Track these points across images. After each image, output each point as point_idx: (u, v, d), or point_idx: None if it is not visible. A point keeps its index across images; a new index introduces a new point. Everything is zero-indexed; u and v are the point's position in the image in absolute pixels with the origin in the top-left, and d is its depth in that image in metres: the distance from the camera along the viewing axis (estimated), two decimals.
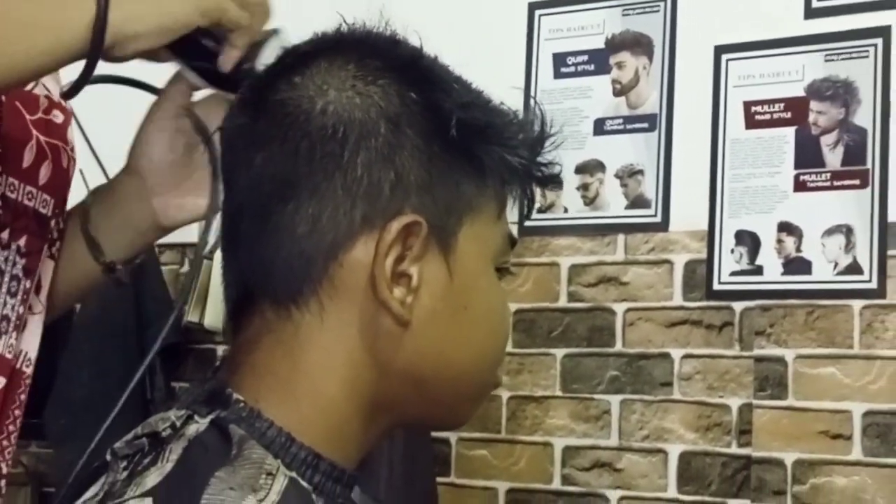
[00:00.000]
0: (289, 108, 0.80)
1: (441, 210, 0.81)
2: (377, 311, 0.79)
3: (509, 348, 2.50)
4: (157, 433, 0.78)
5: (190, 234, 2.82)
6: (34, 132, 1.07)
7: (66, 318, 2.65)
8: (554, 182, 0.89)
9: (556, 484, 2.50)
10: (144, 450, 0.79)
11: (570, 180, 2.55)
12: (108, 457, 0.80)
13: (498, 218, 0.85)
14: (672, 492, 2.37)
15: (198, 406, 0.80)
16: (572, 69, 2.59)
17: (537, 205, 2.56)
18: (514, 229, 2.47)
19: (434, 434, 2.54)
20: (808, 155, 2.34)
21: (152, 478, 0.75)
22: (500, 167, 0.83)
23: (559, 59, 2.60)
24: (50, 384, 2.48)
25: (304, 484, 0.78)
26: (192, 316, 2.63)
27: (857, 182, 2.29)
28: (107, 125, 2.82)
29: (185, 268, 2.83)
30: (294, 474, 0.77)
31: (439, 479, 2.52)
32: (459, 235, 0.82)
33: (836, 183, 2.31)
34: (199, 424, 0.79)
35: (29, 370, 1.11)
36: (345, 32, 0.84)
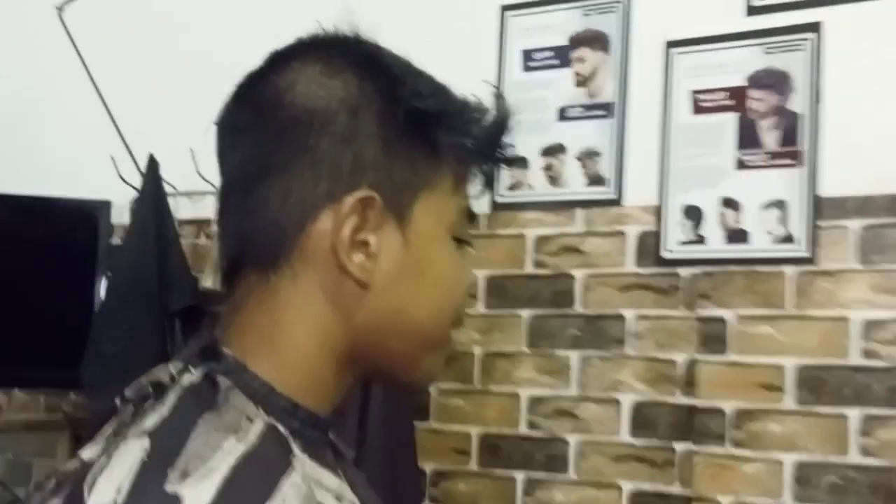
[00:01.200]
0: (266, 100, 0.84)
1: (397, 186, 0.82)
2: (340, 275, 0.82)
3: (483, 310, 2.56)
4: (159, 382, 0.81)
5: (205, 211, 2.87)
6: None
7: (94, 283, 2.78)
8: (508, 162, 0.90)
9: (523, 429, 2.51)
10: (148, 396, 0.81)
11: (536, 161, 2.54)
12: (118, 401, 0.82)
13: (453, 193, 0.86)
14: (625, 436, 2.37)
15: (193, 359, 0.83)
16: (539, 63, 2.57)
17: (506, 183, 2.44)
18: (486, 205, 2.55)
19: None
20: (747, 137, 2.31)
21: (151, 420, 0.77)
22: (455, 149, 0.85)
23: (527, 55, 2.58)
24: (85, 339, 2.50)
25: (282, 429, 0.79)
26: (206, 282, 2.66)
27: (791, 161, 2.25)
28: (133, 108, 2.90)
29: (202, 240, 2.86)
30: (273, 420, 0.79)
31: (419, 424, 2.54)
32: (415, 208, 0.83)
33: (772, 162, 2.28)
34: (193, 375, 0.81)
35: None
36: (318, 36, 0.87)
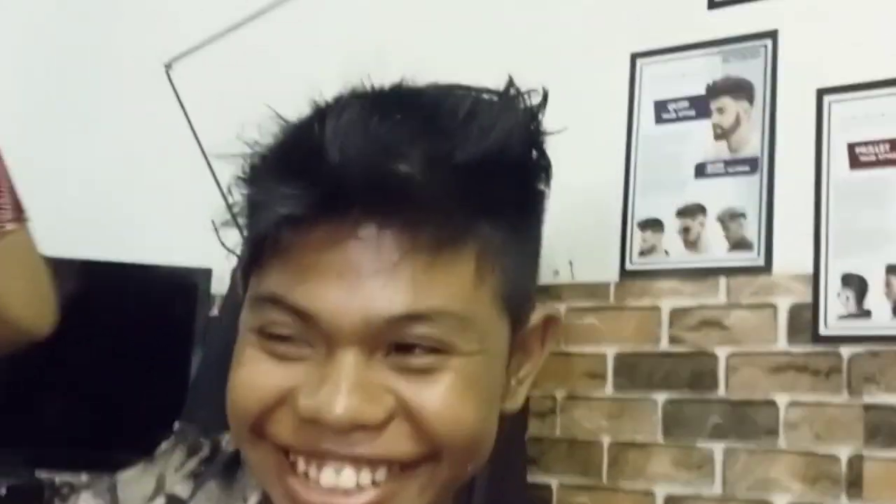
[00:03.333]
0: None
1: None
2: None
3: (611, 392, 2.52)
4: (219, 442, 0.87)
5: None
6: None
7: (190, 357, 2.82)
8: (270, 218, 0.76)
9: None
10: (198, 449, 0.87)
11: (672, 223, 2.51)
12: (175, 433, 0.90)
13: (250, 276, 0.79)
14: None
15: None
16: (673, 115, 2.53)
17: (637, 248, 2.27)
18: (615, 274, 2.56)
19: (533, 479, 2.54)
20: None
21: (181, 482, 0.85)
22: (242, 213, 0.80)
23: (660, 106, 2.54)
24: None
25: None
26: None
27: None
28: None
29: None
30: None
31: None
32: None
33: None
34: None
35: None
36: None
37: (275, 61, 3.06)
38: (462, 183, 0.73)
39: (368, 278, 0.72)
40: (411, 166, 0.72)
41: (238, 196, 0.78)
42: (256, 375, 0.76)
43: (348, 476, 0.74)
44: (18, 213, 1.51)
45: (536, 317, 0.84)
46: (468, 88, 0.78)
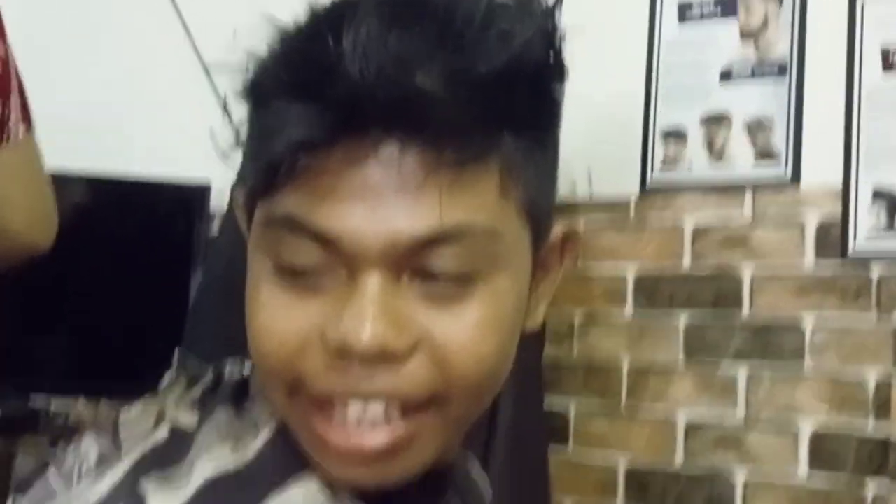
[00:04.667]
0: None
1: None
2: None
3: (630, 314, 2.56)
4: (221, 372, 0.87)
5: None
6: None
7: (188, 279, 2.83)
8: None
9: (679, 462, 2.48)
10: (199, 379, 0.87)
11: (695, 133, 2.52)
12: (175, 365, 0.91)
13: (261, 201, 0.78)
14: (803, 473, 2.31)
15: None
16: (698, 14, 2.54)
17: (659, 160, 2.27)
18: (634, 187, 2.57)
19: (549, 406, 2.57)
20: None
21: (186, 412, 0.84)
22: (248, 134, 0.80)
23: (684, 5, 2.56)
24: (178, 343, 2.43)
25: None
26: None
27: None
28: None
29: None
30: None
31: (554, 453, 2.50)
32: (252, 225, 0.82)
33: None
34: (244, 370, 0.87)
35: None
36: None
37: None
38: (484, 96, 0.73)
39: (391, 199, 0.72)
40: (433, 82, 0.71)
41: (240, 113, 0.78)
42: (279, 320, 0.77)
43: (374, 410, 0.75)
44: (28, 123, 1.51)
45: (555, 233, 0.85)
46: None
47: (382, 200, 0.72)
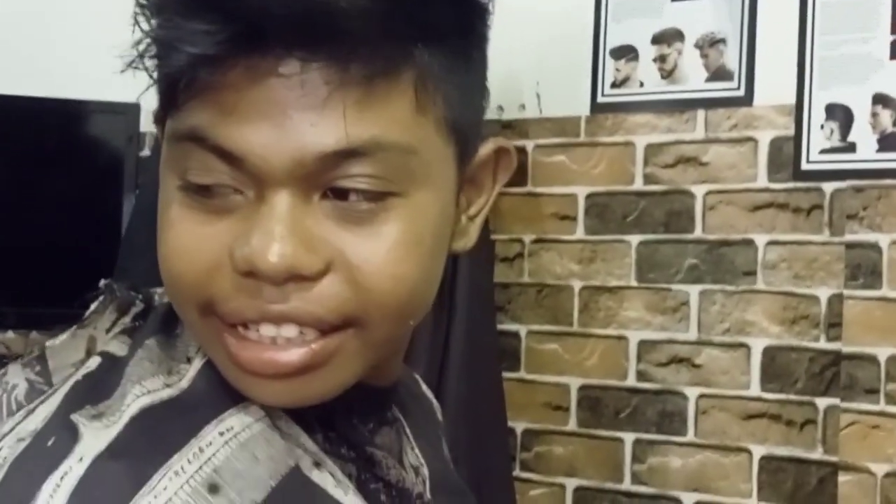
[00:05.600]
0: None
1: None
2: None
3: (582, 234, 2.60)
4: (152, 297, 0.87)
5: None
6: None
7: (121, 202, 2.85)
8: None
9: (631, 380, 2.53)
10: (131, 306, 0.87)
11: (646, 51, 2.54)
12: (105, 291, 0.88)
13: (167, 118, 0.77)
14: (755, 390, 2.37)
15: None
16: None
17: (609, 79, 2.27)
18: (584, 107, 2.59)
19: (502, 327, 2.63)
20: None
21: (116, 340, 0.83)
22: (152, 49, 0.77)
23: None
24: (112, 268, 2.54)
25: None
26: None
27: None
28: None
29: None
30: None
31: (507, 374, 2.57)
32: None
33: None
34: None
35: None
36: None
37: None
38: (392, 5, 0.73)
39: (296, 116, 0.72)
40: None
41: (144, 28, 0.75)
42: (188, 240, 0.77)
43: (288, 331, 0.75)
44: None
45: (486, 149, 0.85)
46: None
47: (288, 118, 0.72)
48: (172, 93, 0.73)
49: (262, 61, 0.70)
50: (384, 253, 0.75)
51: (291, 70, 0.71)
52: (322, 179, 0.73)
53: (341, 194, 0.74)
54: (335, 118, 0.71)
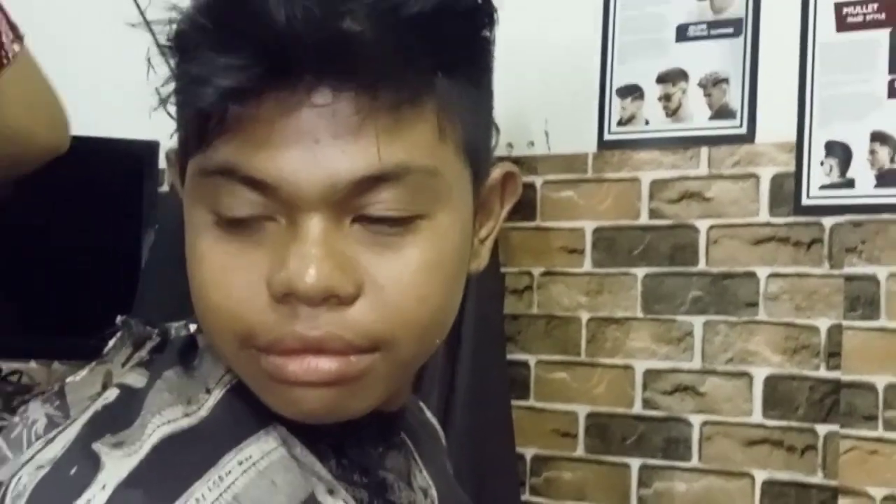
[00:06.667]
0: None
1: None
2: None
3: (589, 268, 2.61)
4: (167, 331, 0.87)
5: None
6: None
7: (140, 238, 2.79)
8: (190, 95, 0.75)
9: (637, 408, 2.54)
10: (146, 341, 0.88)
11: (651, 90, 2.56)
12: (121, 329, 0.89)
13: (193, 154, 0.78)
14: (758, 417, 2.38)
15: None
16: None
17: (616, 117, 2.31)
18: (592, 144, 2.60)
19: (512, 357, 2.63)
20: None
21: (132, 373, 0.84)
22: (176, 86, 0.78)
23: None
24: (131, 302, 2.47)
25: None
26: None
27: None
28: None
29: None
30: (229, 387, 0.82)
31: (516, 403, 2.58)
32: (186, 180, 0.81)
33: None
34: (189, 331, 0.86)
35: None
36: None
37: None
38: (415, 38, 0.74)
39: (328, 143, 0.73)
40: (361, 24, 0.72)
41: (170, 66, 0.77)
42: (221, 271, 0.77)
43: (323, 356, 0.76)
44: (19, 39, 1.56)
45: (495, 173, 0.87)
46: None
47: (320, 146, 0.73)
48: (202, 128, 0.74)
49: (293, 93, 0.72)
50: (410, 274, 0.76)
51: (323, 100, 0.72)
52: (353, 204, 0.75)
53: (371, 219, 0.75)
54: (367, 145, 0.73)
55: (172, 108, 0.79)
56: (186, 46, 0.74)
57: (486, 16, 0.80)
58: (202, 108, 0.72)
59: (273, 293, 0.74)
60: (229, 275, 0.76)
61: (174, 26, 0.76)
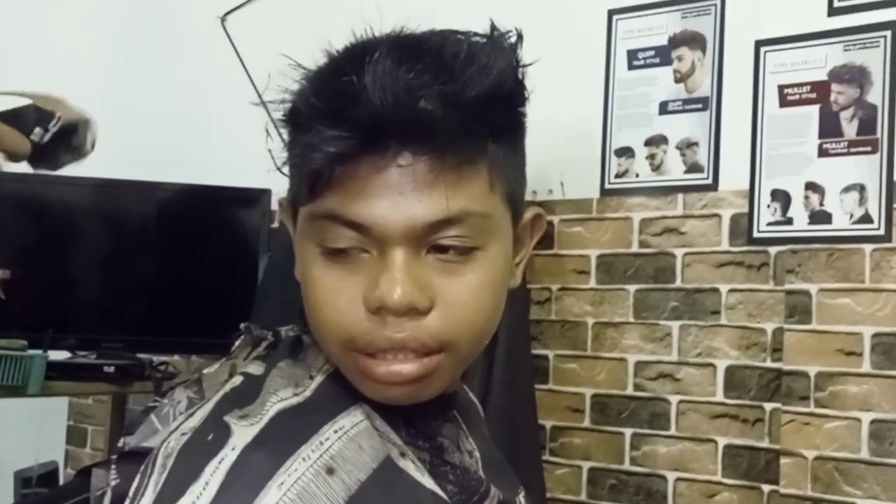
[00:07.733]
0: None
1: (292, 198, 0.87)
2: None
3: (594, 284, 2.70)
4: (279, 333, 0.94)
5: None
6: None
7: (257, 262, 3.02)
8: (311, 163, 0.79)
9: (630, 390, 2.65)
10: (262, 340, 0.94)
11: (641, 151, 2.67)
12: (244, 332, 0.96)
13: (305, 202, 0.83)
14: (720, 396, 2.50)
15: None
16: (642, 62, 2.71)
17: (615, 171, 2.40)
18: (596, 191, 2.71)
19: (536, 352, 2.74)
20: (829, 127, 2.42)
21: (253, 364, 0.91)
22: (290, 150, 0.85)
23: (632, 55, 2.74)
24: (250, 310, 2.68)
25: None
26: None
27: (868, 149, 2.37)
28: None
29: None
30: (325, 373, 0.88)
31: (539, 386, 2.70)
32: (298, 219, 0.86)
33: (852, 150, 2.39)
34: (294, 332, 0.93)
35: None
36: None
37: (313, 15, 3.21)
38: (472, 115, 0.79)
39: (409, 195, 0.77)
40: (433, 105, 0.77)
41: (284, 135, 0.83)
42: (331, 293, 0.82)
43: (405, 354, 0.81)
44: None
45: (528, 214, 0.92)
46: (460, 33, 0.82)
47: (403, 196, 0.77)
48: (314, 184, 0.79)
49: (383, 156, 0.78)
50: (470, 293, 0.82)
51: (405, 161, 0.77)
52: (427, 240, 0.80)
53: (441, 250, 0.80)
54: (439, 196, 0.78)
55: (284, 167, 0.85)
56: (299, 120, 0.81)
57: (522, 97, 0.85)
58: (314, 168, 0.78)
59: (368, 307, 0.80)
60: (335, 295, 0.82)
61: (288, 105, 0.83)
